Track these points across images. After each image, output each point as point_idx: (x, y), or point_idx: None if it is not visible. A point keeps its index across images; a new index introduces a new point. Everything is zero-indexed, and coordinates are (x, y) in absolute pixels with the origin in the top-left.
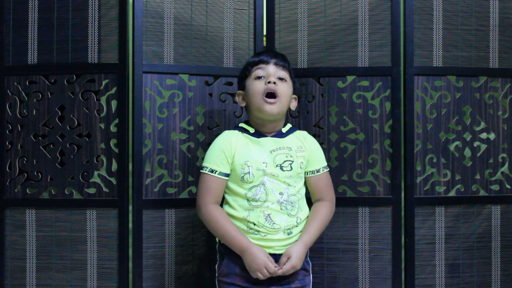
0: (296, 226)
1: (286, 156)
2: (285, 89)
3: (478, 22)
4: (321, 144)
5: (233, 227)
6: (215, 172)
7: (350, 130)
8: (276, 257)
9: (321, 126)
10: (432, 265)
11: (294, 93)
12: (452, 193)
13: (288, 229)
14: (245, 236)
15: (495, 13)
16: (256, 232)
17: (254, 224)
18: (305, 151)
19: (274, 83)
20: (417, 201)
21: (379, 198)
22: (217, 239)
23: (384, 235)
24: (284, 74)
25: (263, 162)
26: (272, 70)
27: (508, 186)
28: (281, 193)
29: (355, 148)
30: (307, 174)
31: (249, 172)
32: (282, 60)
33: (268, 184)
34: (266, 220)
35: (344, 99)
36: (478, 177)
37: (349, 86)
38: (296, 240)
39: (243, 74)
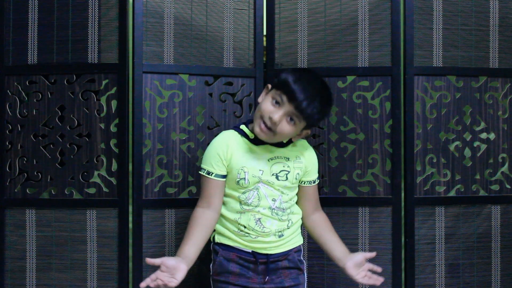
0: (288, 228)
1: (283, 166)
2: (286, 129)
3: (478, 22)
4: (321, 144)
5: (191, 235)
6: (211, 174)
7: (350, 130)
8: (268, 257)
9: (321, 126)
10: (432, 265)
11: (309, 128)
12: (452, 193)
13: (279, 231)
14: (191, 248)
15: (495, 13)
16: (246, 234)
17: (245, 227)
18: (303, 162)
19: (275, 123)
20: (417, 201)
21: (379, 198)
22: (211, 239)
23: (384, 235)
24: (297, 119)
25: (260, 170)
26: (288, 110)
27: (508, 186)
28: (274, 200)
29: (355, 148)
30: (304, 183)
31: (244, 178)
32: (313, 109)
33: (262, 189)
34: (256, 224)
35: (344, 99)
36: (478, 177)
37: (349, 86)
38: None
39: (277, 82)
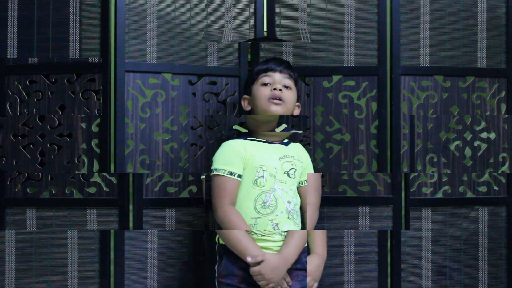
0: None
1: (292, 164)
2: (290, 95)
3: (465, 22)
4: (306, 144)
5: (246, 238)
6: (234, 175)
7: (335, 131)
8: None
9: (307, 126)
10: (419, 268)
11: (298, 101)
12: (451, 194)
13: (285, 231)
14: (257, 246)
15: (483, 12)
16: (252, 233)
17: (262, 235)
18: (303, 162)
19: (280, 90)
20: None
21: (379, 197)
22: (216, 239)
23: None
24: (289, 82)
25: (275, 168)
26: (278, 78)
27: (496, 188)
28: (289, 202)
29: (340, 149)
30: (301, 184)
31: (263, 176)
32: (288, 68)
33: (278, 191)
34: (274, 230)
35: (329, 99)
36: (477, 177)
37: (335, 86)
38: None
39: (250, 80)
